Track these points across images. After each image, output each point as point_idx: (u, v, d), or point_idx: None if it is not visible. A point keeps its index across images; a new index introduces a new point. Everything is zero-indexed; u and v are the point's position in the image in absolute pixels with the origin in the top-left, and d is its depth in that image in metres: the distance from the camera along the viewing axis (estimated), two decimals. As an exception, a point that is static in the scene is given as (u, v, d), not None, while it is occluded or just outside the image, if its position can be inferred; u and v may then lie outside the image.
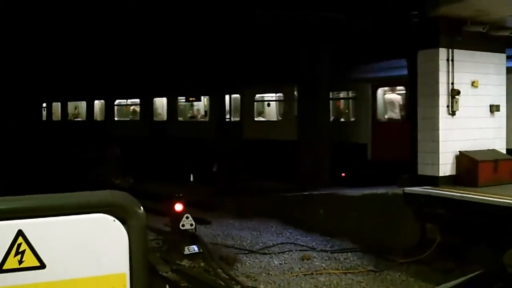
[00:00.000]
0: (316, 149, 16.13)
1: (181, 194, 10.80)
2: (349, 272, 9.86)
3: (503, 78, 12.71)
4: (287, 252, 11.02)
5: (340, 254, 10.94)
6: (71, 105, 30.78)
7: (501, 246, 7.28)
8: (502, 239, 7.87)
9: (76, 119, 30.52)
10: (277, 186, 15.73)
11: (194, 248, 10.21)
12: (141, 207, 2.28)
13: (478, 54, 12.25)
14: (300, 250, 11.17)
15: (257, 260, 10.50)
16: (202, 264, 9.95)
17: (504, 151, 12.46)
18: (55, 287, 2.09)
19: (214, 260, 9.83)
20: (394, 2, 12.06)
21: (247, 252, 11.04)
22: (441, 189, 11.02)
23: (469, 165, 11.43)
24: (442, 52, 11.67)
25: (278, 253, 10.99)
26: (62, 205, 2.10)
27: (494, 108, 12.39)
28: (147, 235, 2.41)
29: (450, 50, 11.71)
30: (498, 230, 9.02)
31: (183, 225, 10.44)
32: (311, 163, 16.05)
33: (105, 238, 2.16)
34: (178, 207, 10.55)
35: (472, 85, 12.09)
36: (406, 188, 11.27)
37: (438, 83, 11.61)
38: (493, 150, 12.14)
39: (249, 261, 10.43)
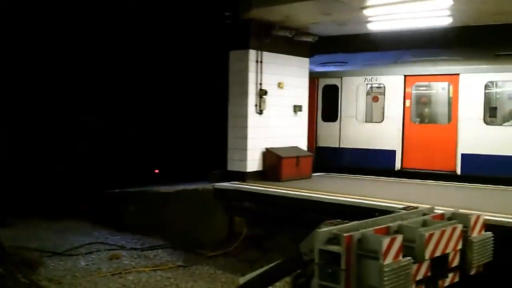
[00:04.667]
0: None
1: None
2: (158, 269, 9.80)
3: (306, 80, 13.68)
4: (95, 253, 10.60)
5: (150, 251, 10.83)
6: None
7: (299, 235, 7.77)
8: (300, 229, 8.41)
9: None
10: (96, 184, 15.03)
11: (-10, 252, 9.32)
12: None
13: (285, 57, 13.02)
14: (108, 250, 10.83)
15: (62, 262, 9.94)
16: (-1, 270, 9.13)
17: (305, 148, 13.43)
18: None
19: (13, 264, 9.06)
20: (209, 3, 12.28)
21: (51, 254, 10.38)
22: (248, 184, 11.52)
23: (273, 161, 12.11)
24: (252, 54, 12.20)
25: (85, 254, 10.52)
26: None
27: (297, 108, 13.28)
28: None
29: (259, 52, 12.30)
30: (298, 221, 9.67)
31: (-23, 228, 9.47)
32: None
33: None
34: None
35: (279, 86, 12.81)
36: (216, 184, 11.57)
37: (247, 83, 12.10)
38: (296, 147, 13.01)
39: (53, 264, 9.82)
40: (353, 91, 14.37)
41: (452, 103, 12.94)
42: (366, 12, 10.85)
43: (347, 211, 8.93)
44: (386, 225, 5.83)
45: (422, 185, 11.93)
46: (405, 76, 13.62)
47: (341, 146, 14.52)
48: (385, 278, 5.04)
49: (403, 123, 13.59)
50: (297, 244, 7.44)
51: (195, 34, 14.60)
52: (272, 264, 7.47)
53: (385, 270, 5.06)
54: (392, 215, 6.51)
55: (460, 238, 6.05)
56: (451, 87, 13.00)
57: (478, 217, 6.40)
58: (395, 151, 13.63)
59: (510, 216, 7.96)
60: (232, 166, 12.24)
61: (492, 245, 6.45)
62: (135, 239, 11.68)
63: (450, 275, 6.09)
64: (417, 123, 13.71)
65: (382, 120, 13.91)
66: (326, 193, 10.11)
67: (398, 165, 13.60)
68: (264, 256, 9.85)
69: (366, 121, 14.25)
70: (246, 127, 12.07)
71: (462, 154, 12.65)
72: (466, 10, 10.61)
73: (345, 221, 6.09)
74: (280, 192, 10.55)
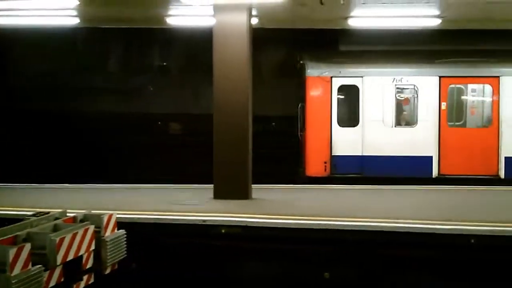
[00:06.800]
0: None
1: None
2: None
3: None
4: None
5: None
6: None
7: None
8: None
9: None
10: None
11: None
12: None
13: None
14: None
15: None
16: None
17: None
18: None
19: None
20: None
21: None
22: None
23: None
24: None
25: None
26: None
27: None
28: None
29: None
30: None
31: None
32: None
33: None
34: None
35: None
36: None
37: None
38: None
39: None
40: (379, 93, 13.02)
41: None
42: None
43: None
44: (13, 234, 5.39)
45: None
46: (440, 77, 12.98)
47: (364, 154, 13.04)
48: (13, 291, 4.65)
49: (439, 127, 12.97)
50: None
51: None
52: None
53: (13, 282, 4.69)
54: (21, 223, 6.09)
55: (93, 239, 6.03)
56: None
57: (110, 216, 6.48)
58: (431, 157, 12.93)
59: (141, 212, 8.30)
60: None
61: (125, 242, 6.62)
62: None
63: (85, 277, 6.02)
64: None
65: (415, 123, 13.12)
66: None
67: (435, 172, 12.93)
68: None
69: (396, 125, 13.13)
70: None
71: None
72: (92, 11, 10.73)
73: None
74: None
